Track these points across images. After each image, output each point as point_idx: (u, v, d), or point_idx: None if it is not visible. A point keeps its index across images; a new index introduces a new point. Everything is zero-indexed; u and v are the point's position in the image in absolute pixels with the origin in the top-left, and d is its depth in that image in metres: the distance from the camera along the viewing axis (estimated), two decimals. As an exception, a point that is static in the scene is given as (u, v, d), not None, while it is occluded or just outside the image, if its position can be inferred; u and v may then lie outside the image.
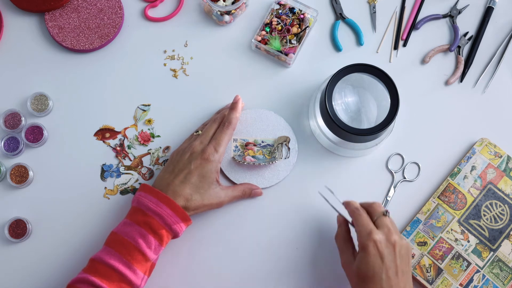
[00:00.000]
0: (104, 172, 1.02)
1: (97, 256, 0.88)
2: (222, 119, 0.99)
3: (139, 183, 1.02)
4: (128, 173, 1.03)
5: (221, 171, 1.03)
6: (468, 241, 1.00)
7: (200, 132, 0.99)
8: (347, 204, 0.93)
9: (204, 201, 0.94)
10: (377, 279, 0.85)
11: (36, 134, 1.02)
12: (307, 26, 1.07)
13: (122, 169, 1.03)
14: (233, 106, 1.00)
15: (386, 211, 0.91)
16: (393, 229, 0.89)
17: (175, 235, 0.92)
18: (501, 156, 1.03)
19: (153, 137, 1.05)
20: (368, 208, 0.92)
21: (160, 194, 0.91)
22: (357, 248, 0.90)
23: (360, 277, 0.87)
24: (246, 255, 1.00)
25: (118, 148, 1.04)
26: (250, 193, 1.00)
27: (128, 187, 1.02)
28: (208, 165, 0.94)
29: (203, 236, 1.00)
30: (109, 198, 1.02)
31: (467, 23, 1.10)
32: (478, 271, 0.99)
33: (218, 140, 0.96)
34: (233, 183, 1.02)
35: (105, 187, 1.02)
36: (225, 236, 1.01)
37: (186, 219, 0.92)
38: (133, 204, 0.93)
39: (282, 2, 1.08)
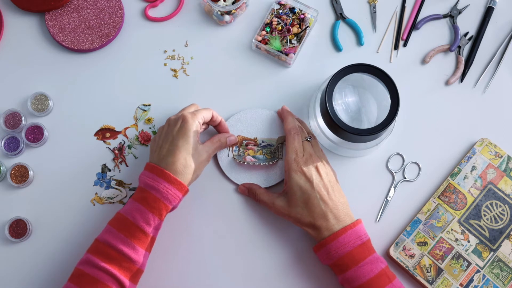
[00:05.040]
0: (96, 179, 1.02)
1: (99, 235, 0.90)
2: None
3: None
4: (117, 189, 1.02)
5: (221, 171, 1.03)
6: (469, 241, 1.00)
7: None
8: (285, 117, 1.01)
9: (198, 160, 0.94)
10: (312, 198, 0.93)
11: (36, 134, 1.02)
12: (308, 26, 1.07)
13: (113, 182, 1.02)
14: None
15: (311, 137, 0.99)
16: (315, 155, 0.97)
17: (173, 206, 0.92)
18: (501, 156, 1.03)
19: (154, 137, 1.05)
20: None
21: (156, 168, 0.91)
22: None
23: (299, 206, 0.93)
24: (246, 255, 1.00)
25: (116, 152, 1.04)
26: (226, 141, 1.00)
27: (114, 202, 1.02)
28: (188, 125, 0.93)
29: (201, 236, 1.00)
30: (94, 205, 1.02)
31: (468, 23, 1.10)
32: (478, 271, 0.99)
33: (194, 109, 0.98)
34: (234, 184, 1.02)
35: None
36: (225, 236, 1.01)
37: (181, 188, 0.91)
38: (138, 184, 0.94)
39: (283, 2, 1.08)
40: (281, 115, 1.03)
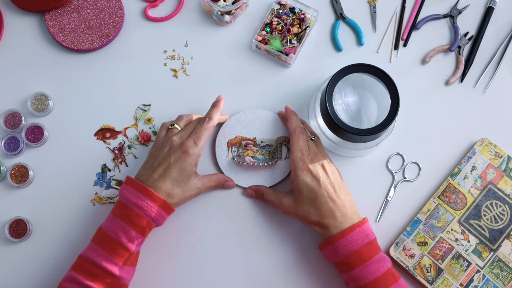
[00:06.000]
0: (96, 179, 1.02)
1: (83, 253, 0.90)
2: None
3: None
4: (117, 189, 1.02)
5: (221, 171, 1.03)
6: (469, 241, 1.00)
7: (175, 125, 0.98)
8: (289, 117, 1.00)
9: (184, 194, 0.94)
10: (319, 196, 0.92)
11: (36, 134, 1.02)
12: (308, 26, 1.07)
13: (113, 182, 1.02)
14: (215, 104, 1.00)
15: (314, 136, 0.99)
16: (320, 153, 0.97)
17: (157, 224, 0.92)
18: (501, 156, 1.03)
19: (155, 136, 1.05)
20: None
21: (140, 185, 0.91)
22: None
23: (306, 204, 0.93)
24: (246, 255, 1.00)
25: (116, 152, 1.04)
26: (224, 184, 1.01)
27: (114, 202, 1.02)
28: (188, 159, 0.93)
29: (202, 235, 1.00)
30: (94, 205, 1.02)
31: (468, 23, 1.10)
32: (478, 271, 0.99)
33: (198, 134, 0.95)
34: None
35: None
36: (226, 236, 1.01)
37: (168, 208, 0.92)
38: (118, 198, 0.94)
39: (283, 2, 1.08)
40: (285, 115, 1.03)
